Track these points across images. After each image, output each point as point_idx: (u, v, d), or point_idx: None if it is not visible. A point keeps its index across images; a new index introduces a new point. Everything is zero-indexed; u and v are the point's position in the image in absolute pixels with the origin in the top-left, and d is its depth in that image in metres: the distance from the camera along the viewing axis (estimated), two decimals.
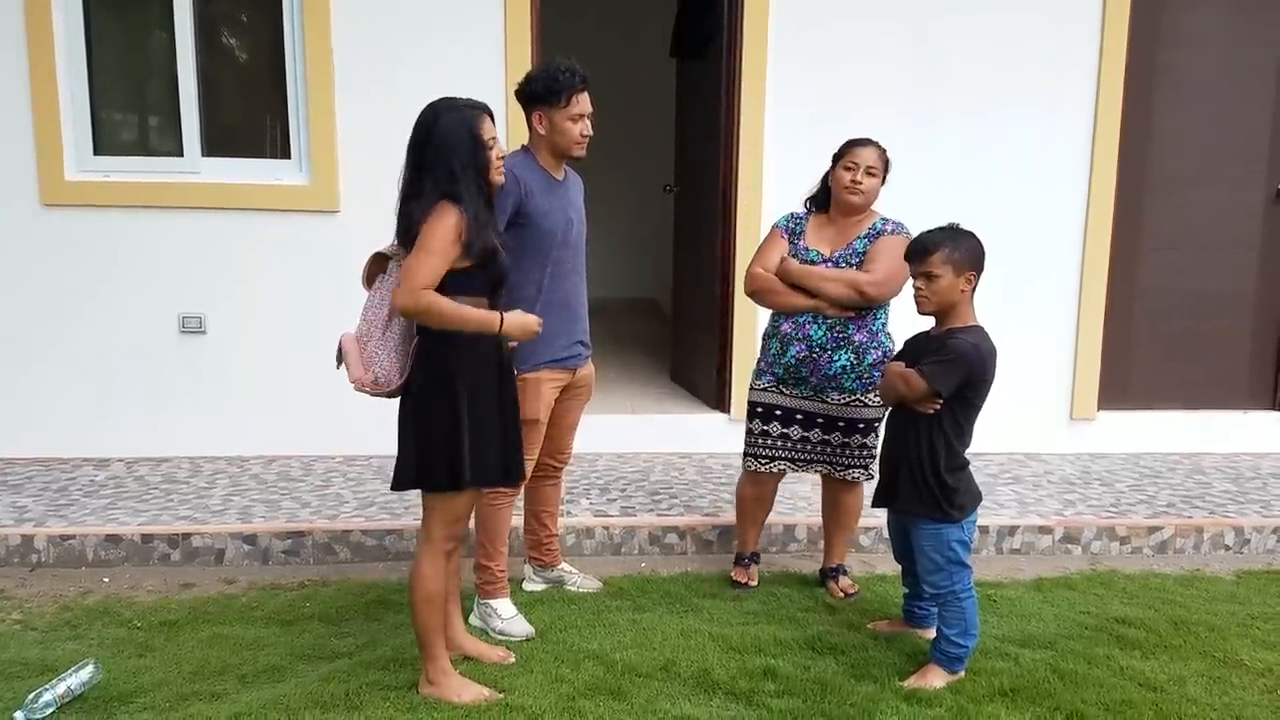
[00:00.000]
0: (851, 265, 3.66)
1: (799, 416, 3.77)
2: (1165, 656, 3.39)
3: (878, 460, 3.49)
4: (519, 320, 2.97)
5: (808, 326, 3.68)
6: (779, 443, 3.80)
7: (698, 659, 3.28)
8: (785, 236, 3.80)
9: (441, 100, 2.92)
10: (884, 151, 3.71)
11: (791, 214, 3.86)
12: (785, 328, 3.73)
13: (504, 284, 3.01)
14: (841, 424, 3.74)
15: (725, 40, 5.34)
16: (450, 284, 2.84)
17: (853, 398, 3.71)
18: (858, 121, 5.25)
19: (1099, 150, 5.42)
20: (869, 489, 3.55)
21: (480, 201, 2.88)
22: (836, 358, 3.65)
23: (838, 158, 3.74)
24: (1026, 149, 5.41)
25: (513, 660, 3.27)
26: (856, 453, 3.77)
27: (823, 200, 3.80)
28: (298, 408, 5.24)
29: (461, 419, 2.87)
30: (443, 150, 2.83)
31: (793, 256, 3.73)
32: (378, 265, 3.04)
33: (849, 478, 3.81)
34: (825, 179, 3.79)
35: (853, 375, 3.67)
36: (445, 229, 2.79)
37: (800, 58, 5.25)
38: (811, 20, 5.24)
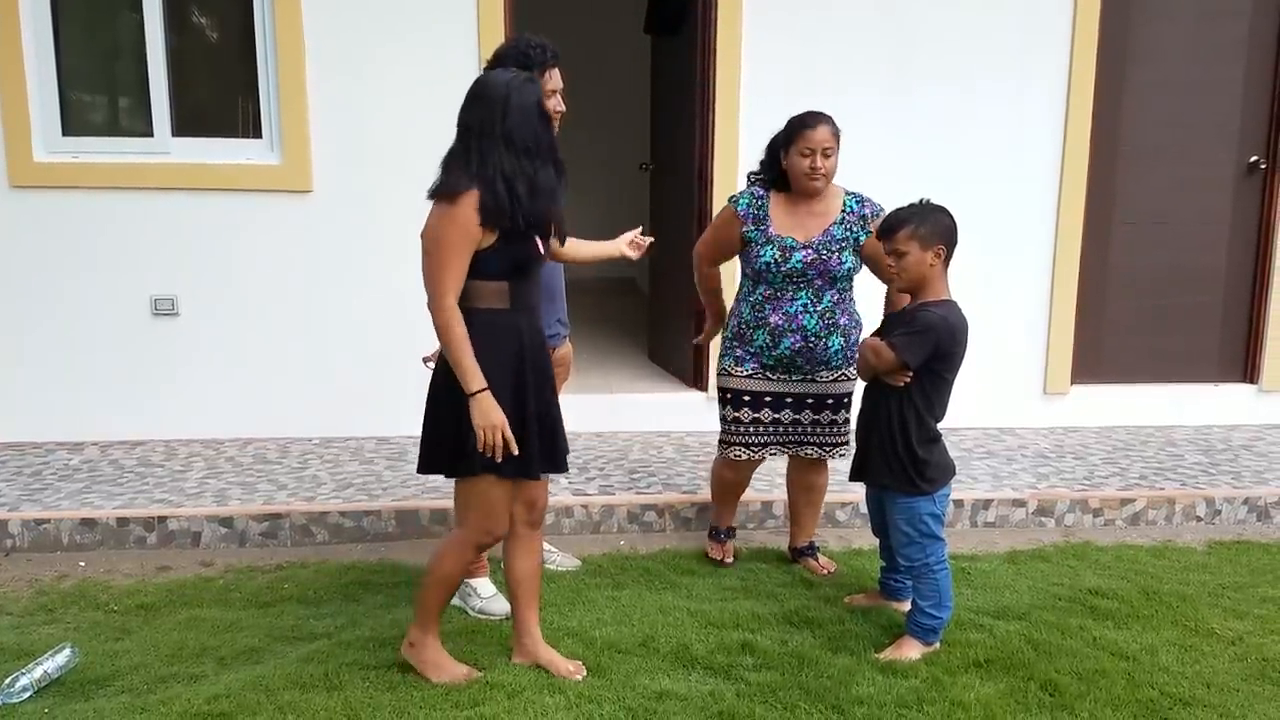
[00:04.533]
0: (833, 253, 3.57)
1: (787, 399, 3.72)
2: (1137, 626, 3.44)
3: (853, 434, 3.50)
4: (485, 408, 2.71)
5: (800, 317, 3.60)
6: (770, 428, 3.75)
7: (676, 635, 3.30)
8: (748, 221, 3.64)
9: (513, 75, 2.81)
10: (833, 123, 3.54)
11: (750, 193, 3.68)
12: (775, 320, 3.62)
13: (528, 268, 2.85)
14: (813, 401, 3.71)
15: (700, 16, 5.32)
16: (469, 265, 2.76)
17: (840, 373, 3.71)
18: (832, 96, 5.28)
19: (1072, 124, 5.43)
20: (836, 466, 3.54)
21: (537, 172, 2.77)
22: (831, 343, 3.63)
23: (788, 141, 3.55)
24: (1000, 123, 5.42)
25: (583, 675, 3.03)
26: (833, 429, 3.76)
27: (778, 180, 3.64)
28: (273, 389, 5.20)
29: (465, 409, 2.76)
30: (517, 127, 2.73)
31: (764, 243, 3.59)
32: None
33: (835, 455, 3.80)
34: (775, 156, 3.61)
35: (841, 355, 3.67)
36: (445, 225, 2.69)
37: (775, 33, 5.24)
38: None
